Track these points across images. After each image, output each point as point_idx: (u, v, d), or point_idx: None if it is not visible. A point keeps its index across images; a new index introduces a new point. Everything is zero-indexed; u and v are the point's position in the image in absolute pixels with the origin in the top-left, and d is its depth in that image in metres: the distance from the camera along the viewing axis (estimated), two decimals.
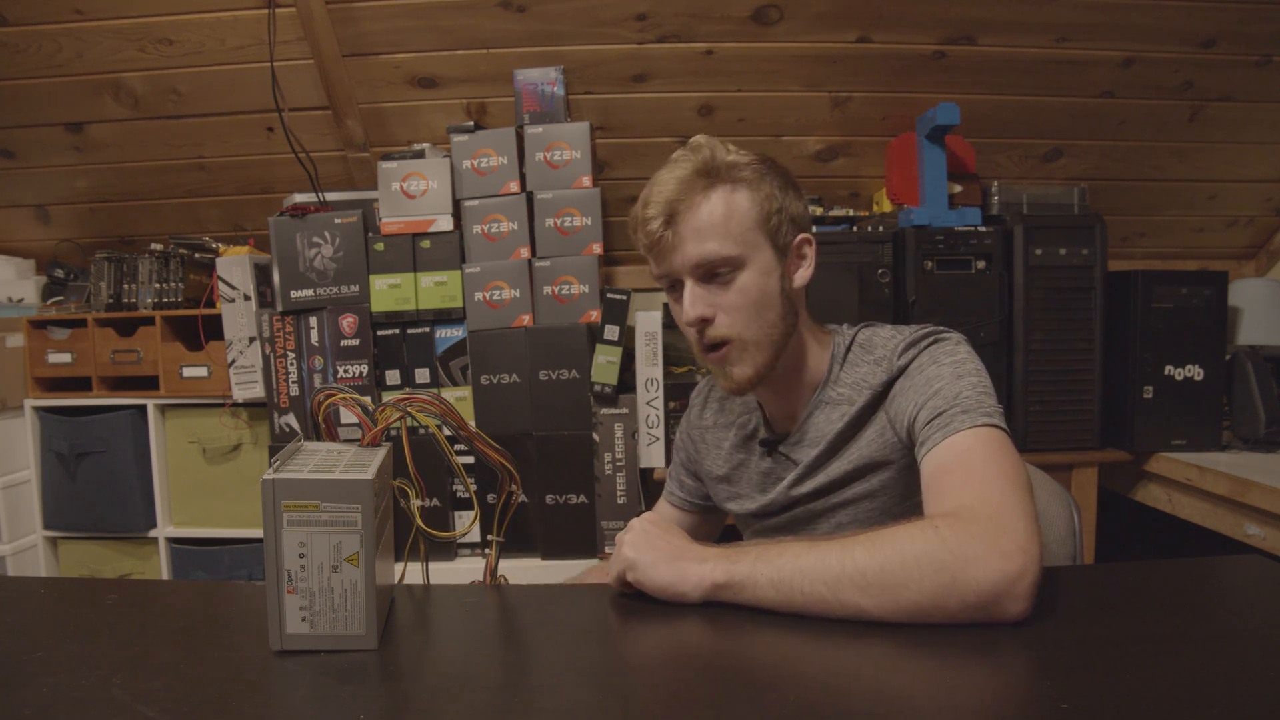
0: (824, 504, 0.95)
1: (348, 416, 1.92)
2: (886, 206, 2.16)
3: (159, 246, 2.11)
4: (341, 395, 0.74)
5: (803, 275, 0.95)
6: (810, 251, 0.96)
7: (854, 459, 0.92)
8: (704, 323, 0.90)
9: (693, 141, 0.93)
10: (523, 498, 0.88)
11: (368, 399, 0.76)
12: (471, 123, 1.99)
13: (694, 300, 0.89)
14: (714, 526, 1.16)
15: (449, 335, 1.94)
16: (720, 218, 0.88)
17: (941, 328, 0.92)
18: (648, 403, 1.92)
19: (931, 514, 0.75)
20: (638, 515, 0.82)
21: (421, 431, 0.80)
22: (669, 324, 2.11)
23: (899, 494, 0.92)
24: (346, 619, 0.65)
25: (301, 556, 0.64)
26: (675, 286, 0.93)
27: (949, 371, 0.85)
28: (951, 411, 0.81)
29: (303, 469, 0.65)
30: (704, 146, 0.92)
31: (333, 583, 0.65)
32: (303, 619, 0.65)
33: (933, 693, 0.58)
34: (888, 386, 0.91)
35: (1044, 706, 0.55)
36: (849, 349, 0.97)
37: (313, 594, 0.64)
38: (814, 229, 1.04)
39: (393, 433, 0.79)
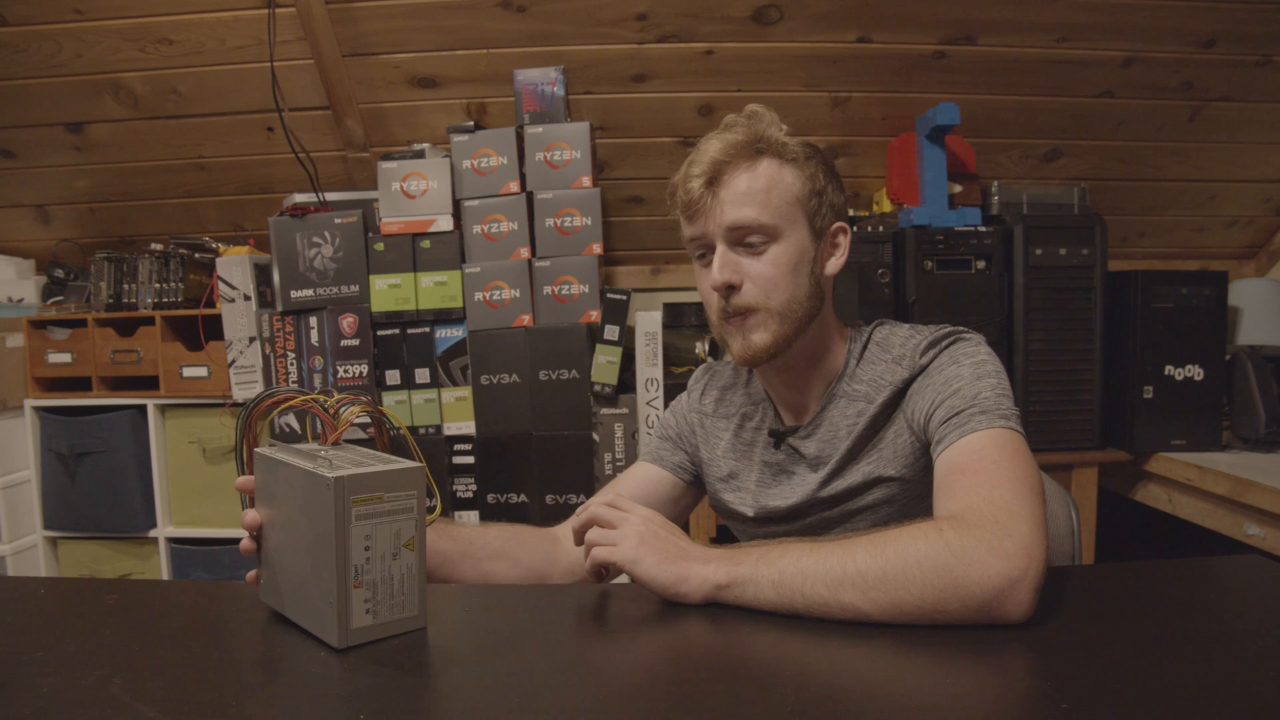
0: (840, 511, 0.94)
1: (348, 414, 1.92)
2: (886, 206, 2.16)
3: (159, 246, 2.11)
4: (294, 399, 0.74)
5: (835, 263, 0.95)
6: (845, 242, 0.96)
7: (872, 467, 0.91)
8: (729, 289, 0.89)
9: (749, 109, 0.93)
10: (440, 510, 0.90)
11: (325, 396, 0.75)
12: (471, 123, 1.99)
13: (723, 265, 0.89)
14: (692, 502, 1.11)
15: (449, 335, 1.94)
16: (763, 187, 0.89)
17: (962, 328, 0.92)
18: (648, 403, 1.93)
19: (940, 514, 0.75)
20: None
21: (392, 433, 0.81)
22: (669, 324, 2.12)
23: (916, 495, 0.91)
24: (404, 603, 0.67)
25: (367, 549, 0.65)
26: (705, 254, 0.92)
27: (969, 372, 0.85)
28: (969, 411, 0.81)
29: (340, 466, 0.66)
30: (759, 117, 0.92)
31: (393, 570, 0.66)
32: (366, 610, 0.65)
33: (933, 693, 0.58)
34: (907, 384, 0.90)
35: (1044, 706, 0.55)
36: (866, 346, 0.97)
37: (376, 584, 0.66)
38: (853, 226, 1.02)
39: (392, 433, 0.80)
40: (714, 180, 0.88)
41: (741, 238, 0.89)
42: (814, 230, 0.92)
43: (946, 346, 0.89)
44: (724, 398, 1.07)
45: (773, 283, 0.89)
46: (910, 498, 0.91)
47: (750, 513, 1.00)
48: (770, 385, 1.01)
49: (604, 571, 0.79)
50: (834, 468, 0.93)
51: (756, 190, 0.88)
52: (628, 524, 0.77)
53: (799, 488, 0.96)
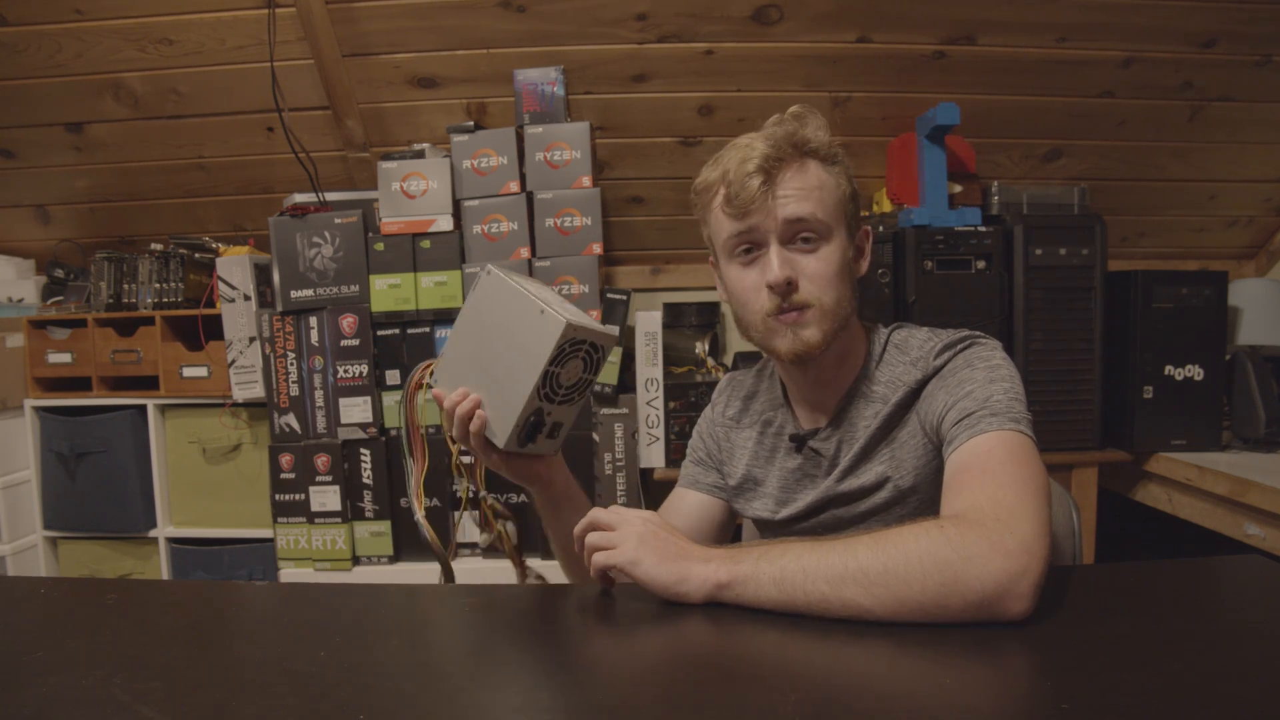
0: (852, 511, 0.95)
1: (348, 414, 1.92)
2: (886, 206, 2.16)
3: (159, 246, 2.11)
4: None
5: (863, 265, 0.97)
6: (868, 246, 0.98)
7: (884, 468, 0.92)
8: (789, 285, 0.89)
9: (792, 110, 0.93)
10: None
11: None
12: (471, 123, 1.99)
13: (782, 261, 0.88)
14: (733, 523, 1.13)
15: (449, 335, 1.93)
16: (816, 185, 0.89)
17: (978, 333, 0.93)
18: (648, 403, 1.93)
19: (945, 513, 0.75)
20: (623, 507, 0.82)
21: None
22: (669, 324, 2.12)
23: (928, 498, 0.91)
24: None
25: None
26: (750, 249, 0.91)
27: (982, 375, 0.85)
28: (980, 413, 0.81)
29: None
30: (804, 117, 0.92)
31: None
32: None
33: (933, 693, 0.58)
34: (921, 385, 0.91)
35: (1044, 706, 0.55)
36: (885, 347, 0.97)
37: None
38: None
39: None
40: (770, 176, 0.88)
41: (796, 234, 0.89)
42: (850, 232, 0.93)
43: (961, 350, 0.90)
44: (747, 406, 1.08)
45: (826, 280, 0.89)
46: (922, 500, 0.92)
47: (772, 515, 1.00)
48: (794, 385, 1.01)
49: (609, 576, 0.78)
50: (848, 465, 0.94)
51: (811, 187, 0.89)
52: (627, 525, 0.77)
53: (818, 484, 0.97)
